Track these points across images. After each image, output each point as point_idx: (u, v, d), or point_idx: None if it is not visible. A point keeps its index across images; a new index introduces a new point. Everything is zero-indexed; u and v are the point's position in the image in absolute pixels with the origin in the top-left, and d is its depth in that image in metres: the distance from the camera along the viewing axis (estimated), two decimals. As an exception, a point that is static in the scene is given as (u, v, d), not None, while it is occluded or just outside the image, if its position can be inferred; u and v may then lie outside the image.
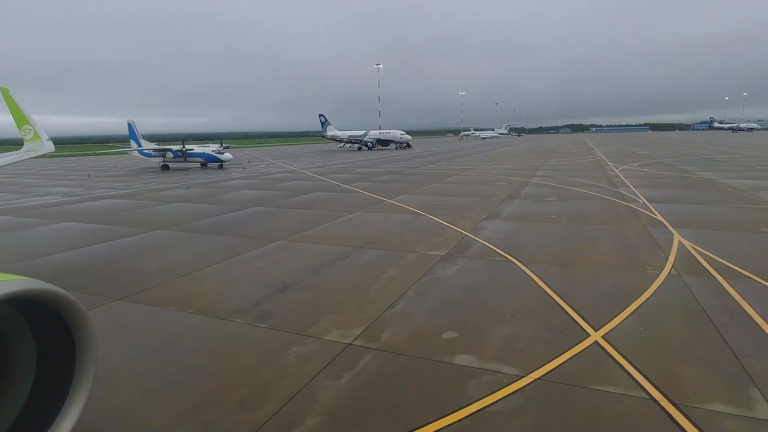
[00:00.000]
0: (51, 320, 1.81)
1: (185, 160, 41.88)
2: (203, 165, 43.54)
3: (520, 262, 9.38)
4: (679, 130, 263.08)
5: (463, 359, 5.45)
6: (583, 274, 8.54)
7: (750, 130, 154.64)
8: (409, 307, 7.16)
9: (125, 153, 49.26)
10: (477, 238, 11.54)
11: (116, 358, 5.71)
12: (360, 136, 79.87)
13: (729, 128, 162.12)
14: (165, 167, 41.82)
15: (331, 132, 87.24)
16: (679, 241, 10.65)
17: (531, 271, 8.76)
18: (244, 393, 4.84)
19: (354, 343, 5.94)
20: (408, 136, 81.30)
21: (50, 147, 14.43)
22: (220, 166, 41.95)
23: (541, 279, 8.27)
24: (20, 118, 14.20)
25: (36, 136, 14.35)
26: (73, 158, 69.88)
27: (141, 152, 44.53)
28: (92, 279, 9.08)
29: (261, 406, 4.59)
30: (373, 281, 8.43)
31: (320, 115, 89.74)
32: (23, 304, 1.70)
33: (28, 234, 13.84)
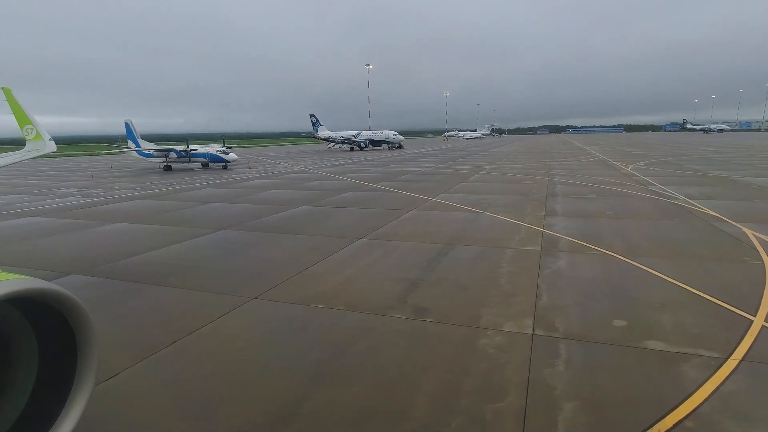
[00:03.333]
0: (53, 320, 1.82)
1: (189, 161, 41.11)
2: (204, 165, 42.84)
3: (620, 255, 9.72)
4: (652, 131, 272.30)
5: (655, 345, 5.70)
6: (691, 265, 8.93)
7: (720, 131, 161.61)
8: (555, 298, 7.37)
9: (123, 153, 47.84)
10: (556, 234, 11.85)
11: (315, 354, 5.73)
12: (352, 136, 79.72)
13: (700, 129, 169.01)
14: (167, 168, 40.94)
15: (322, 132, 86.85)
16: (754, 234, 11.21)
17: (639, 263, 9.11)
18: (474, 384, 4.95)
19: (536, 333, 6.12)
20: (400, 137, 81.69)
21: (52, 147, 14.20)
22: (225, 167, 41.30)
23: (655, 270, 8.61)
24: (22, 118, 14.03)
25: (38, 135, 14.15)
26: (60, 159, 67.34)
27: (140, 152, 43.48)
28: (206, 278, 8.94)
29: (504, 395, 4.72)
30: (495, 275, 8.62)
31: (311, 116, 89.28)
32: (25, 303, 1.70)
33: (89, 235, 13.42)
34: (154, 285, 8.59)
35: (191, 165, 42.30)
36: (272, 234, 12.90)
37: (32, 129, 14.13)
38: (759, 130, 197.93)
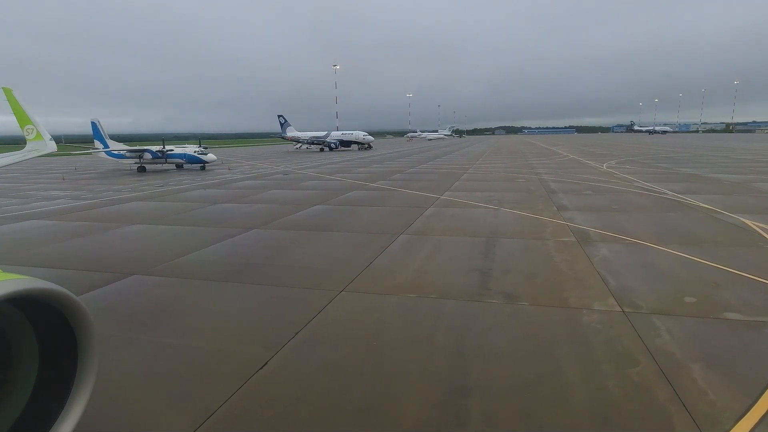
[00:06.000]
0: (53, 320, 1.83)
1: (165, 161, 39.81)
2: (179, 166, 41.66)
3: (651, 243, 10.72)
4: (601, 132, 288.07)
5: (733, 315, 6.57)
6: (718, 251, 10.01)
7: (664, 132, 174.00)
8: (621, 281, 8.14)
9: (90, 153, 45.48)
10: (580, 226, 12.78)
11: (442, 337, 6.16)
12: (322, 137, 79.35)
13: (646, 131, 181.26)
14: (142, 168, 39.43)
15: (291, 133, 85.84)
16: (755, 224, 12.60)
17: (671, 250, 10.11)
18: (604, 354, 5.56)
19: (626, 310, 6.84)
20: (370, 137, 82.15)
21: (53, 147, 13.98)
22: (203, 168, 40.29)
23: (690, 255, 9.62)
24: (23, 118, 13.84)
25: (38, 136, 13.95)
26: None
27: (109, 153, 41.58)
28: (277, 275, 9.06)
29: (636, 361, 5.37)
30: (553, 263, 9.34)
31: (279, 116, 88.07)
32: (26, 303, 1.72)
33: (115, 237, 13.00)
34: (230, 282, 8.67)
35: (165, 166, 41.04)
36: (309, 232, 13.07)
37: (33, 129, 13.83)
38: (697, 131, 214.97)
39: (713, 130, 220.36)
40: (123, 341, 6.25)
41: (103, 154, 42.01)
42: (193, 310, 7.37)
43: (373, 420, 4.40)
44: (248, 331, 6.52)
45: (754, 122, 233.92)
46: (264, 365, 5.45)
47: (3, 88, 13.65)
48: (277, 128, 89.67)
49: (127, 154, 40.44)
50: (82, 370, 1.94)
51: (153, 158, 39.42)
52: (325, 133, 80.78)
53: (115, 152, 41.20)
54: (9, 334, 1.84)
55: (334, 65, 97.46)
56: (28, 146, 13.56)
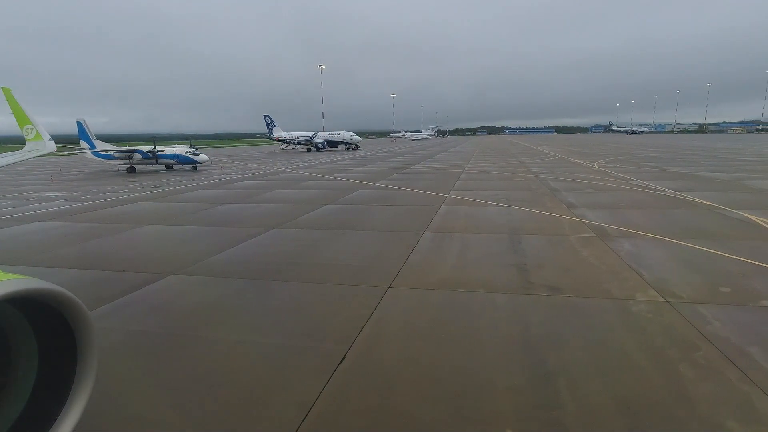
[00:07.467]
0: (53, 320, 1.82)
1: (156, 162, 39.15)
2: (169, 167, 41.02)
3: (668, 238, 11.18)
4: (580, 132, 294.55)
5: (769, 304, 6.99)
6: (733, 244, 10.51)
7: (641, 132, 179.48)
8: (655, 273, 8.50)
9: (76, 154, 44.38)
10: (595, 223, 13.19)
11: (505, 329, 6.37)
12: (309, 137, 79.03)
13: (624, 131, 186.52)
14: (131, 169, 38.72)
15: (277, 133, 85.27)
16: (758, 219, 13.23)
17: (689, 243, 10.57)
18: (664, 340, 5.86)
19: (669, 300, 7.18)
20: (357, 137, 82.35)
21: (52, 147, 13.89)
22: (194, 168, 39.73)
23: (708, 248, 10.09)
24: (22, 118, 13.81)
25: (38, 135, 13.89)
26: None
27: (96, 153, 40.68)
28: (317, 273, 9.12)
29: (696, 347, 5.68)
30: (583, 258, 9.67)
31: (265, 116, 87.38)
32: (25, 303, 1.71)
33: (134, 237, 12.80)
34: (274, 280, 8.72)
35: (155, 167, 40.41)
36: (330, 231, 13.15)
37: (32, 129, 13.77)
38: (672, 131, 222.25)
39: (687, 131, 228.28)
40: (190, 339, 6.27)
41: (90, 155, 41.11)
42: (246, 308, 7.40)
43: (472, 405, 4.58)
44: (312, 328, 6.61)
45: (725, 123, 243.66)
46: (342, 359, 5.56)
47: (2, 88, 13.49)
48: (262, 128, 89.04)
49: (116, 155, 39.67)
50: (81, 371, 1.92)
51: (143, 159, 38.71)
52: (312, 133, 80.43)
53: (103, 153, 40.39)
54: (8, 334, 1.83)
55: (320, 65, 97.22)
56: (27, 146, 13.40)
